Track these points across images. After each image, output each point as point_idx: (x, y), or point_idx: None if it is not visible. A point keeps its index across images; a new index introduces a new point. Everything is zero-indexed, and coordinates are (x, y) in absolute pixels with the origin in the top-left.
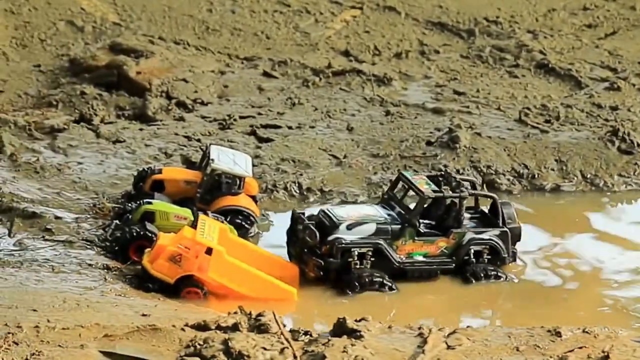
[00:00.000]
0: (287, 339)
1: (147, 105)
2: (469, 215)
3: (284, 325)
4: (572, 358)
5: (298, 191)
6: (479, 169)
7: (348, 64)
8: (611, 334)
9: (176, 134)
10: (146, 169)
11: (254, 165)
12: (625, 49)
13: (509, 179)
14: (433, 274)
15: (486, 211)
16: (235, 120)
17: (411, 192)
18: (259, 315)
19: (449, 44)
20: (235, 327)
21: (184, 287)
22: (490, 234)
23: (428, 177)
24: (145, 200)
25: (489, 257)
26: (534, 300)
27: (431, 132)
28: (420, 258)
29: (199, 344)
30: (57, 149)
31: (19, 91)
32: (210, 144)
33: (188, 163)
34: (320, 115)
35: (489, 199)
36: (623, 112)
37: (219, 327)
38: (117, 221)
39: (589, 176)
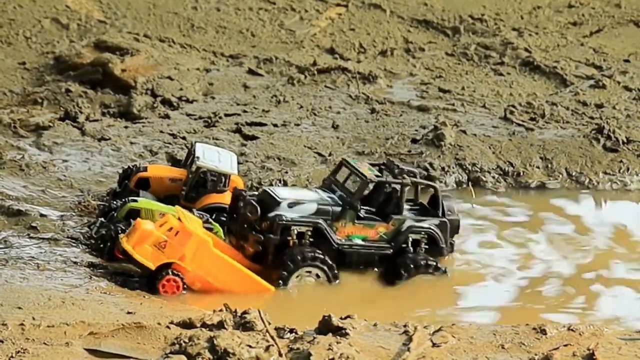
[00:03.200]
0: (272, 337)
1: (132, 102)
2: (408, 207)
3: (269, 323)
4: (557, 356)
5: None
6: (464, 167)
7: (333, 61)
8: (597, 332)
9: (161, 132)
10: (131, 167)
11: (239, 163)
12: (611, 47)
13: (494, 177)
14: (371, 258)
15: (425, 204)
16: (220, 118)
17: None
18: (245, 313)
19: (434, 42)
20: (220, 325)
21: (161, 277)
22: (430, 223)
23: (371, 164)
24: (130, 198)
25: (427, 246)
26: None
27: (416, 130)
28: (359, 241)
29: (184, 342)
30: (42, 147)
31: (3, 89)
32: (195, 142)
33: (173, 161)
34: (306, 112)
35: (431, 189)
36: (608, 110)
37: (204, 325)
38: (102, 219)
39: (574, 174)
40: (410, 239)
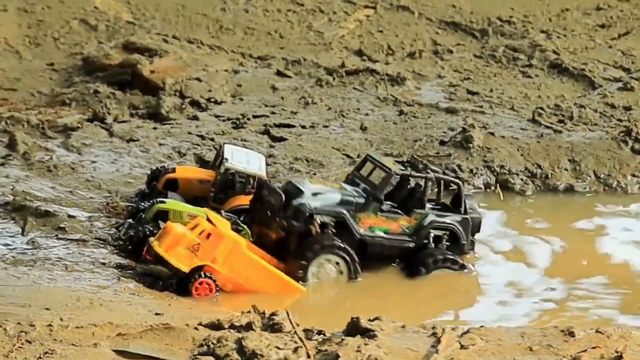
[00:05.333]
0: (300, 338)
1: (160, 104)
2: (430, 206)
3: (298, 325)
4: (585, 358)
5: None
6: (493, 169)
7: (361, 63)
8: (625, 334)
9: (190, 133)
10: (160, 168)
11: (267, 165)
12: (639, 49)
13: (522, 179)
14: (393, 252)
15: (448, 204)
16: (248, 119)
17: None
18: (273, 314)
19: (463, 44)
20: (248, 326)
21: (194, 280)
22: (452, 219)
23: (395, 161)
24: (158, 199)
25: (448, 243)
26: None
27: (444, 132)
28: (381, 234)
29: (213, 343)
30: (71, 148)
31: (32, 90)
32: (223, 143)
33: (202, 162)
34: (334, 114)
35: (454, 186)
36: (636, 112)
37: (232, 326)
38: (130, 220)
39: (602, 176)
40: (432, 234)
